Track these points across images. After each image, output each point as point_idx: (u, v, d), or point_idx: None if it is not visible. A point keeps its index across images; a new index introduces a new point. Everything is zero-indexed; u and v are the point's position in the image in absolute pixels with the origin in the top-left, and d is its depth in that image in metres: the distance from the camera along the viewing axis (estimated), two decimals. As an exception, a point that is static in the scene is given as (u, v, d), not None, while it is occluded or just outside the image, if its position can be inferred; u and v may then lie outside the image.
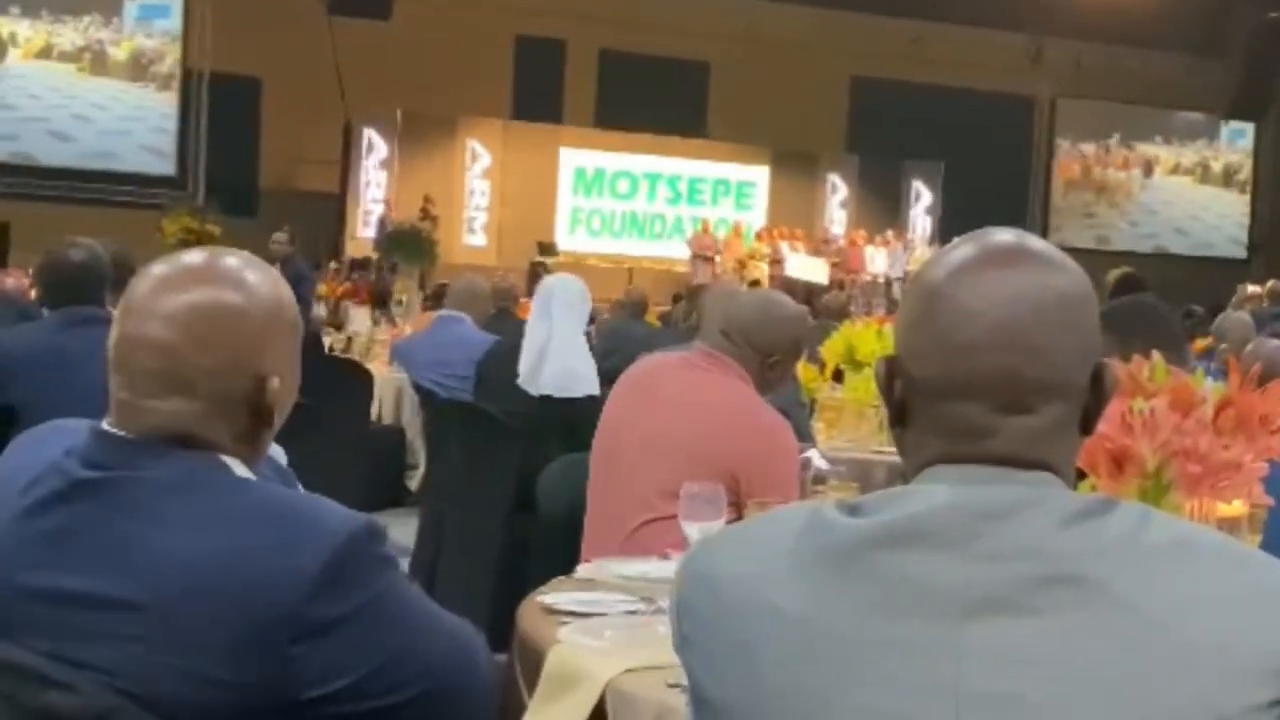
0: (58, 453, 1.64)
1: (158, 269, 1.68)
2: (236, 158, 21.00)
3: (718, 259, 21.64)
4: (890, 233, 23.12)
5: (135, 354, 1.63)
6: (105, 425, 1.65)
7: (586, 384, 5.59)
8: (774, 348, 3.57)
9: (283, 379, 1.68)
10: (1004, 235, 1.42)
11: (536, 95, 23.34)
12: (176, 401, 1.62)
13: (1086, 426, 1.39)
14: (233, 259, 1.70)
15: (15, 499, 1.63)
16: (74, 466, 1.61)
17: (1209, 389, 2.31)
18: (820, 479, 3.14)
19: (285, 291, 1.73)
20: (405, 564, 5.99)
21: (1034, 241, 1.42)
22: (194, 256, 1.71)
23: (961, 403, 1.34)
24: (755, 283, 19.99)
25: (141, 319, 1.64)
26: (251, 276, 1.68)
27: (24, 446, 1.74)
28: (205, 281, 1.65)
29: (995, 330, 1.34)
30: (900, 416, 1.40)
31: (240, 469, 1.65)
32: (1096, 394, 1.38)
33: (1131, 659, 1.24)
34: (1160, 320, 3.34)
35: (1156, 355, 2.35)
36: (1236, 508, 2.31)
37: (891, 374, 1.40)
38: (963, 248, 1.41)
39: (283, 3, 19.47)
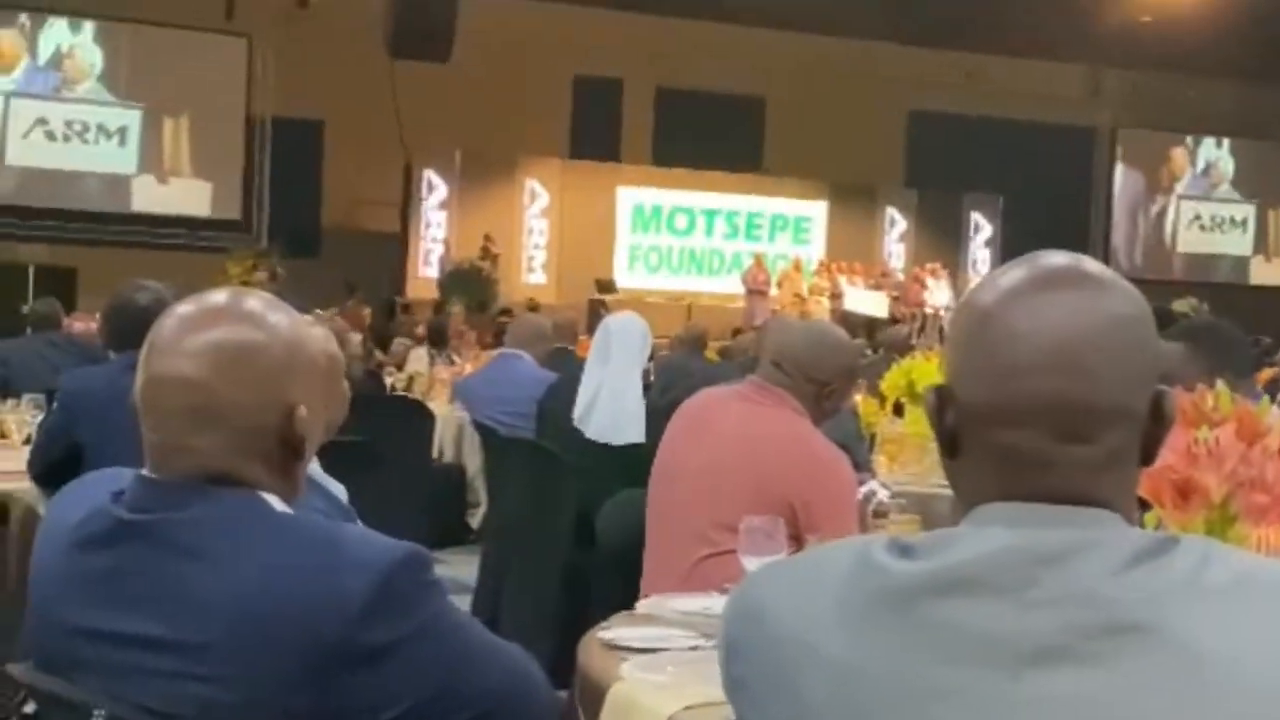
0: (105, 497, 1.67)
1: (181, 310, 1.72)
2: (299, 199, 21.21)
3: (773, 293, 21.62)
4: (938, 265, 23.02)
5: (164, 393, 1.66)
6: (145, 471, 1.68)
7: (633, 432, 5.58)
8: (827, 376, 3.57)
9: (311, 410, 1.71)
10: (1057, 257, 1.36)
11: (594, 134, 23.47)
12: (208, 437, 1.64)
13: (1147, 457, 1.34)
14: (253, 299, 1.74)
15: (66, 542, 1.68)
16: (120, 510, 1.65)
17: (1275, 418, 2.28)
18: (882, 512, 3.12)
19: (308, 329, 1.77)
20: (468, 601, 6.01)
21: (1088, 263, 1.36)
22: (216, 297, 1.74)
23: (1015, 430, 1.30)
24: (800, 315, 19.97)
25: (168, 358, 1.67)
26: (272, 315, 1.72)
27: (73, 493, 1.78)
28: (228, 319, 1.69)
29: (1049, 352, 1.29)
30: (952, 447, 1.36)
31: (278, 504, 1.67)
32: (1157, 422, 1.33)
33: (1194, 708, 1.20)
34: (1240, 344, 3.29)
35: (1221, 384, 2.32)
36: (1305, 538, 2.27)
37: (942, 402, 1.36)
38: (1014, 270, 1.37)
39: (344, 47, 19.68)
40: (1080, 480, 1.30)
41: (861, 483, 3.49)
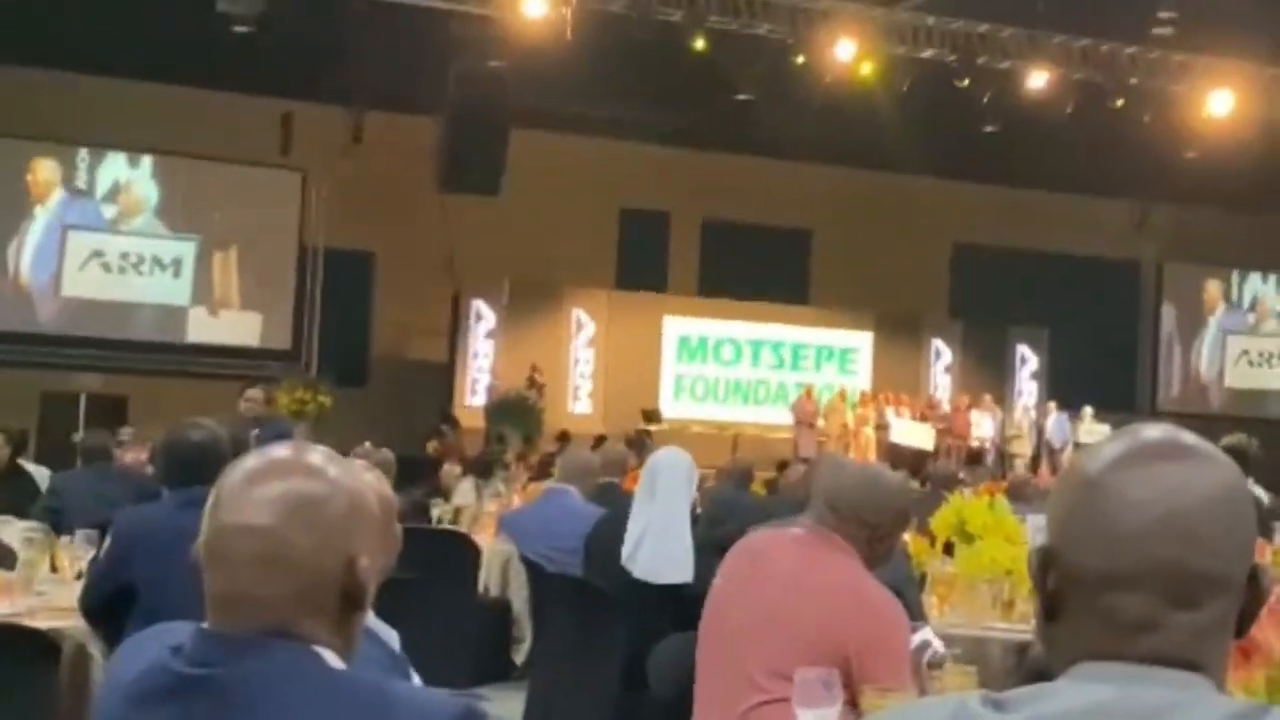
0: (164, 651, 1.69)
1: (246, 464, 1.77)
2: (349, 329, 21.44)
3: (821, 424, 21.59)
4: (988, 397, 22.98)
5: (233, 542, 1.70)
6: (205, 625, 1.71)
7: (680, 571, 5.56)
8: (880, 521, 3.56)
9: (371, 560, 1.75)
10: (1157, 430, 1.41)
11: (641, 265, 23.69)
12: (275, 587, 1.68)
13: (1241, 628, 1.37)
14: (315, 454, 1.79)
15: (125, 696, 1.70)
16: (179, 664, 1.67)
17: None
18: (937, 663, 3.09)
19: (365, 479, 1.83)
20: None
21: (1187, 436, 1.41)
22: (279, 451, 1.80)
23: (1127, 594, 1.32)
24: (846, 447, 19.92)
25: (234, 508, 1.71)
26: (333, 467, 1.77)
27: (134, 646, 1.82)
28: (293, 472, 1.74)
29: (1166, 520, 1.33)
30: (1052, 610, 1.38)
31: (334, 659, 1.69)
32: (1253, 593, 1.37)
33: None
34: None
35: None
36: (1370, 698, 2.24)
37: (1046, 565, 1.38)
38: (1117, 441, 1.41)
39: (396, 180, 20.04)
40: (1182, 644, 1.32)
41: (914, 630, 3.46)
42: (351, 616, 1.74)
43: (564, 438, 17.71)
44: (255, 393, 9.33)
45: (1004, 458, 22.06)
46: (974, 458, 19.85)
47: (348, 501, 1.73)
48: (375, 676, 1.79)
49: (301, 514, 1.70)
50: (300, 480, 1.72)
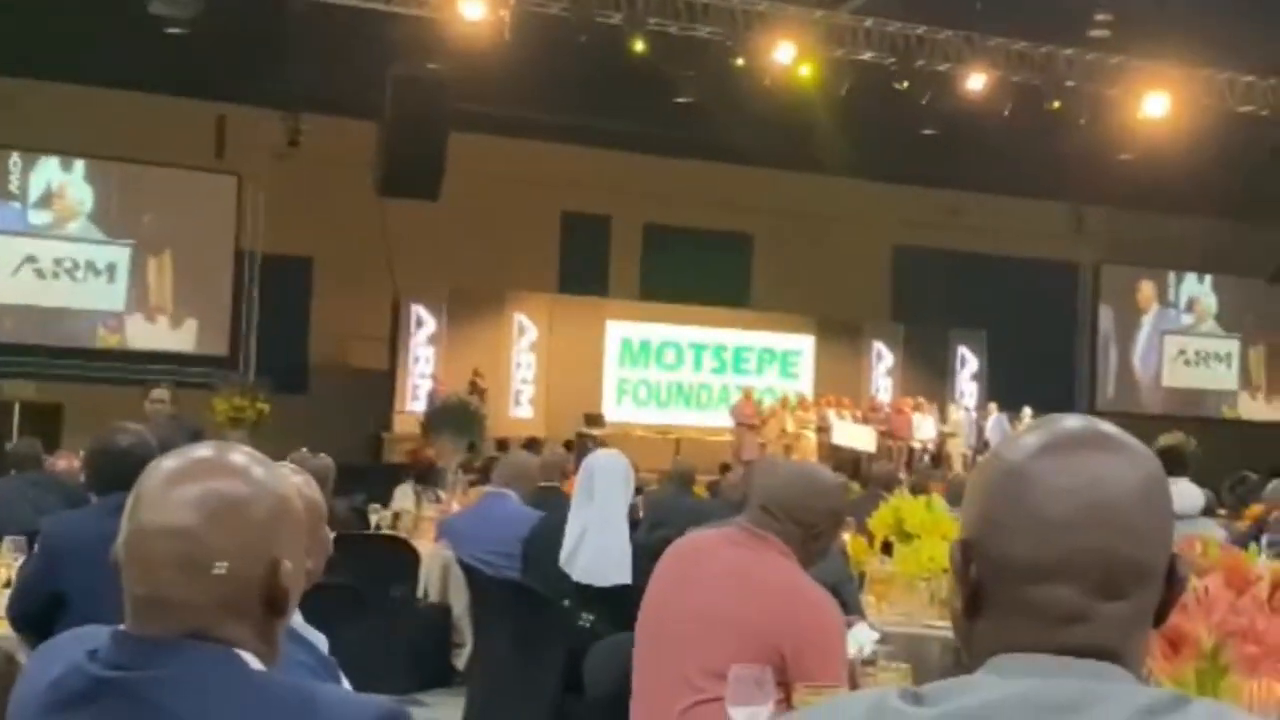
0: (81, 654, 1.65)
1: (168, 463, 1.72)
2: (287, 335, 21.28)
3: (762, 427, 21.63)
4: (923, 399, 23.12)
5: (151, 543, 1.66)
6: (123, 628, 1.67)
7: (618, 572, 5.55)
8: (814, 519, 3.56)
9: (294, 563, 1.71)
10: (1076, 420, 1.40)
11: (582, 269, 23.67)
12: (193, 589, 1.64)
13: (1160, 618, 1.36)
14: (238, 454, 1.75)
15: (41, 703, 1.66)
16: (95, 667, 1.63)
17: (1263, 565, 2.27)
18: (870, 660, 3.08)
19: (291, 481, 1.78)
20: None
21: (1106, 425, 1.40)
22: (202, 451, 1.75)
23: (1053, 584, 1.31)
24: (787, 449, 19.99)
25: (153, 509, 1.67)
26: (256, 468, 1.73)
27: (50, 650, 1.77)
28: (214, 473, 1.70)
29: (1093, 508, 1.31)
30: (975, 602, 1.36)
31: (255, 663, 1.65)
32: (1171, 584, 1.36)
33: None
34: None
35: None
36: (1299, 689, 2.24)
37: (968, 556, 1.36)
38: (1038, 431, 1.39)
39: (334, 185, 19.90)
40: (1106, 635, 1.31)
41: (850, 624, 3.46)
42: (274, 620, 1.71)
43: (503, 446, 17.66)
44: (161, 393, 8.92)
45: (942, 458, 22.19)
46: (936, 462, 19.98)
47: (271, 503, 1.70)
48: (298, 679, 1.76)
49: (223, 515, 1.66)
50: (221, 481, 1.69)
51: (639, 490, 9.64)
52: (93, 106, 19.36)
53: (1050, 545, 1.31)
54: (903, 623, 5.55)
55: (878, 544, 6.37)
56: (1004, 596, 1.34)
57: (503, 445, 18.03)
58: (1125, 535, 1.31)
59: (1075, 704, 1.24)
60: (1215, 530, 6.56)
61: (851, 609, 4.49)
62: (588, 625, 5.35)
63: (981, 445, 22.48)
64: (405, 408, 21.46)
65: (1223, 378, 27.48)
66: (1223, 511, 8.82)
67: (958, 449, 22.49)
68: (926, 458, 21.43)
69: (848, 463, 18.69)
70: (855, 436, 21.59)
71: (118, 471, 4.24)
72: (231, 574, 1.65)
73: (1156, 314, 27.27)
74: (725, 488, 10.69)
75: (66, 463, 9.71)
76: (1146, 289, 27.19)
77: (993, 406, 23.14)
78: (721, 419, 22.67)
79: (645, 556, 5.69)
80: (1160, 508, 1.35)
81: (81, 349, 20.32)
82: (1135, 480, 1.33)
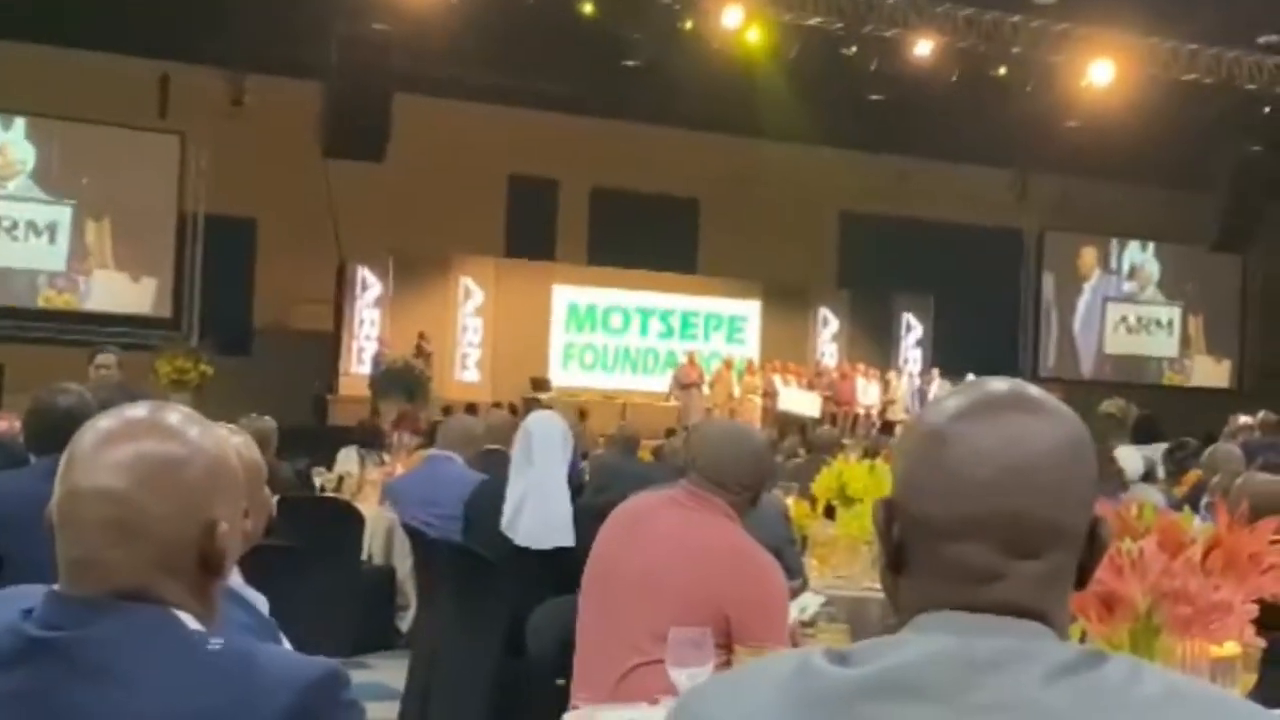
0: (14, 614, 1.63)
1: (101, 423, 1.70)
2: (231, 298, 21.11)
3: (706, 390, 21.67)
4: (868, 365, 23.23)
5: (83, 505, 1.64)
6: (58, 588, 1.65)
7: (560, 535, 5.55)
8: (748, 477, 3.59)
9: (231, 525, 1.69)
10: (1002, 383, 1.42)
11: (529, 233, 23.59)
12: (126, 552, 1.62)
13: (1081, 579, 1.38)
14: (174, 414, 1.73)
15: None
16: (30, 627, 1.61)
17: (1198, 529, 2.30)
18: (810, 621, 3.11)
19: (228, 442, 1.76)
20: (395, 708, 5.91)
21: (1032, 389, 1.41)
22: (136, 411, 1.72)
23: (967, 543, 1.33)
24: (732, 414, 20.06)
25: (86, 471, 1.65)
26: (193, 428, 1.71)
27: None
28: (149, 433, 1.67)
29: (1008, 469, 1.33)
30: (897, 561, 1.38)
31: (192, 623, 1.64)
32: (1092, 546, 1.38)
33: None
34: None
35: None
36: (1229, 649, 2.28)
37: (891, 516, 1.39)
38: (963, 394, 1.41)
39: (278, 146, 19.71)
40: (1024, 594, 1.33)
41: (796, 592, 3.49)
42: (211, 581, 1.69)
43: (448, 411, 17.63)
44: (107, 358, 8.36)
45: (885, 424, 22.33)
46: (887, 429, 20.08)
47: (207, 464, 1.68)
48: (235, 637, 1.75)
49: (157, 477, 1.64)
50: (156, 442, 1.67)
51: (585, 455, 9.65)
52: (35, 64, 19.06)
53: (964, 504, 1.33)
54: (844, 585, 5.61)
55: (821, 507, 6.41)
56: (923, 555, 1.36)
57: (448, 411, 18.01)
58: (1039, 495, 1.33)
59: (996, 661, 1.27)
60: (1154, 495, 6.64)
61: (794, 572, 4.53)
62: (531, 588, 5.35)
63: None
64: (350, 371, 21.36)
65: (1164, 345, 27.78)
66: (1161, 476, 8.92)
67: (898, 415, 22.64)
68: (876, 424, 21.54)
69: (793, 428, 18.77)
70: (800, 402, 21.69)
71: (57, 433, 4.16)
72: (166, 536, 1.63)
73: (1099, 281, 27.50)
74: (670, 452, 10.71)
75: (7, 423, 9.60)
76: (1090, 256, 27.40)
77: (935, 372, 23.31)
78: (667, 384, 22.69)
79: (590, 520, 5.69)
80: (1078, 470, 1.37)
81: (22, 309, 20.09)
82: (1052, 442, 1.35)
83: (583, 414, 19.71)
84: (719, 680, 1.51)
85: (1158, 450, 9.04)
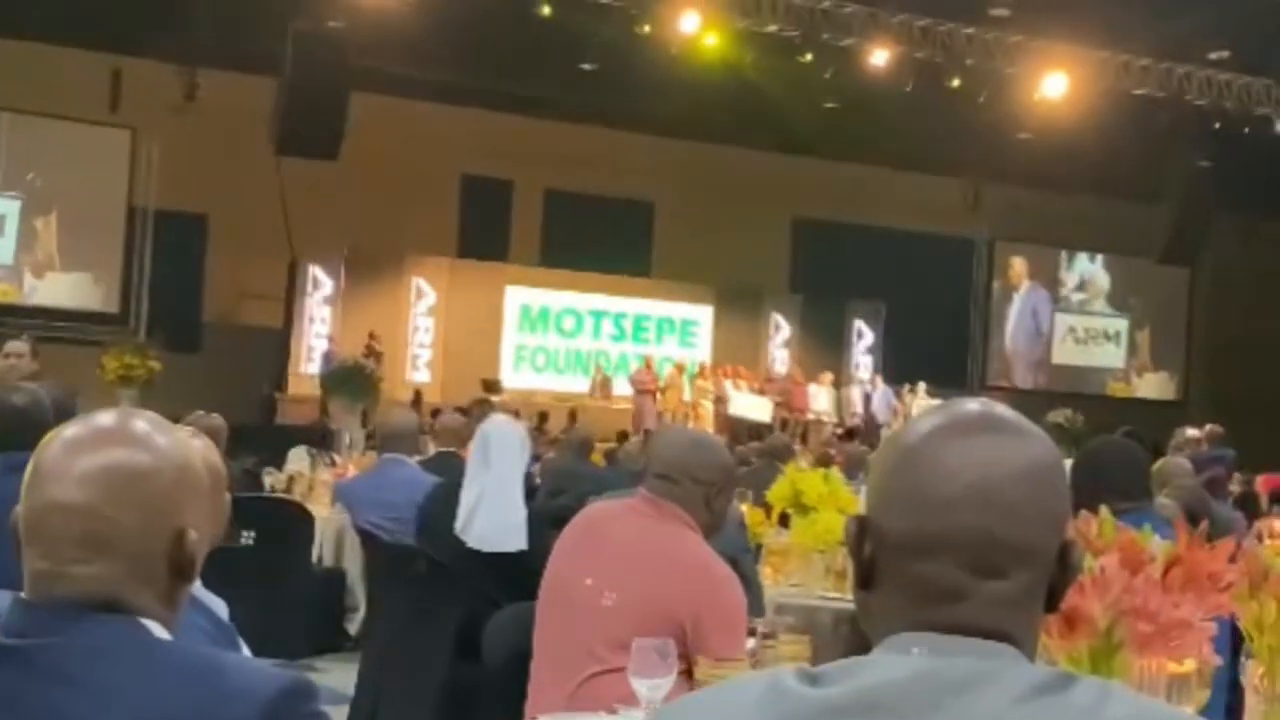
0: None
1: (66, 433, 1.69)
2: (180, 293, 20.95)
3: (660, 396, 21.70)
4: (825, 373, 23.33)
5: (52, 520, 1.63)
6: (25, 595, 1.64)
7: (514, 539, 5.54)
8: (713, 479, 3.60)
9: (199, 531, 1.69)
10: (976, 404, 1.43)
11: (482, 233, 23.53)
12: (97, 565, 1.61)
13: (1052, 603, 1.39)
14: (140, 421, 1.72)
15: None
16: None
17: (1157, 546, 2.31)
18: (770, 633, 3.11)
19: (193, 447, 1.76)
20: (344, 713, 5.87)
21: (1006, 411, 1.43)
22: (102, 420, 1.71)
23: (933, 561, 1.34)
24: (686, 418, 20.10)
25: (54, 483, 1.63)
26: (159, 437, 1.70)
27: None
28: (116, 443, 1.66)
29: (973, 489, 1.34)
30: (868, 578, 1.39)
31: (159, 631, 1.64)
32: (1063, 569, 1.39)
33: None
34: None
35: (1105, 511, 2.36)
36: (1186, 666, 2.30)
37: (862, 532, 1.40)
38: (937, 414, 1.43)
39: (231, 142, 19.57)
40: (991, 614, 1.34)
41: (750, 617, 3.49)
42: (179, 587, 1.69)
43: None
44: (18, 345, 7.48)
45: (856, 432, 22.40)
46: (849, 435, 20.13)
47: (174, 473, 1.68)
48: (203, 647, 1.75)
49: (125, 489, 1.63)
50: (123, 452, 1.66)
51: (536, 458, 9.63)
52: (-16, 56, 18.88)
53: (930, 521, 1.35)
54: (798, 594, 5.62)
55: (775, 516, 6.42)
56: (892, 572, 1.37)
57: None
58: (1005, 516, 1.34)
59: (967, 683, 1.27)
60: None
61: (750, 581, 4.53)
62: (484, 593, 5.34)
63: (868, 418, 22.75)
64: (300, 369, 21.25)
65: (1111, 356, 28.03)
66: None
67: (848, 422, 22.74)
68: (835, 430, 21.58)
69: (745, 434, 18.81)
70: (752, 407, 21.74)
71: (12, 431, 4.15)
72: (136, 548, 1.63)
73: (1049, 292, 27.71)
74: (623, 456, 10.71)
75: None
76: (1040, 267, 27.61)
77: (878, 379, 23.46)
78: (619, 387, 22.70)
79: (543, 524, 5.70)
80: (1048, 492, 1.38)
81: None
82: (1022, 463, 1.36)
83: (544, 417, 19.71)
84: (689, 701, 1.50)
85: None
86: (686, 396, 21.61)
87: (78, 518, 1.62)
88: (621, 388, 22.68)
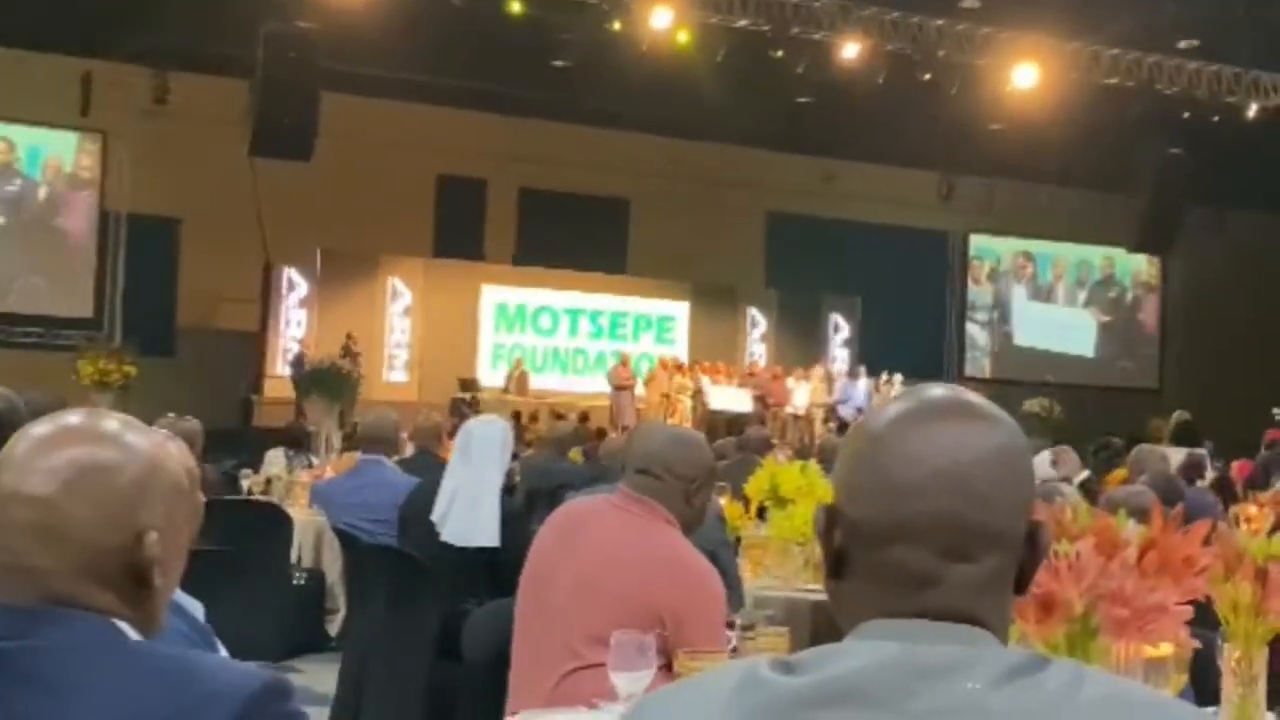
0: None
1: (34, 429, 1.67)
2: (154, 297, 20.88)
3: (640, 392, 21.70)
4: (804, 369, 23.33)
5: (10, 509, 1.61)
6: None
7: (485, 536, 5.55)
8: (693, 474, 3.61)
9: (166, 535, 1.66)
10: (942, 390, 1.44)
11: (458, 233, 23.51)
12: (50, 557, 1.60)
13: (1021, 584, 1.39)
14: (112, 420, 1.70)
15: None
16: None
17: (1133, 531, 2.32)
18: (750, 626, 3.12)
19: (164, 450, 1.72)
20: (325, 714, 5.86)
21: (971, 396, 1.43)
22: (73, 417, 1.70)
23: (903, 547, 1.34)
24: (665, 414, 20.09)
25: (17, 475, 1.63)
26: (130, 435, 1.68)
27: None
28: (82, 440, 1.65)
29: (939, 474, 1.35)
30: (838, 566, 1.39)
31: (133, 632, 1.62)
32: (1032, 551, 1.39)
33: None
34: None
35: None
36: (1162, 650, 2.31)
37: (831, 521, 1.40)
38: (903, 401, 1.43)
39: (203, 145, 19.51)
40: (961, 599, 1.34)
41: (731, 609, 3.50)
42: (144, 592, 1.67)
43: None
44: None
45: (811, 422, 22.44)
46: (844, 427, 20.12)
47: (140, 471, 1.65)
48: (178, 648, 1.73)
49: (84, 482, 1.62)
50: (88, 448, 1.64)
51: (515, 456, 9.63)
52: (-49, 60, 18.78)
53: (898, 508, 1.35)
54: (777, 587, 5.62)
55: (753, 509, 6.42)
56: (862, 560, 1.37)
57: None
58: (972, 500, 1.35)
59: (941, 668, 1.27)
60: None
61: (728, 574, 4.53)
62: (463, 591, 5.34)
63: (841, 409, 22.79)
64: (276, 371, 21.20)
65: (1086, 345, 28.14)
66: (1086, 473, 9.04)
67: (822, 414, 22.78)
68: (831, 425, 21.57)
69: (723, 427, 18.81)
70: (731, 400, 21.75)
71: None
72: (89, 542, 1.61)
73: (1022, 282, 27.82)
74: (603, 453, 10.71)
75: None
76: (1013, 257, 27.71)
77: (861, 370, 23.50)
78: (597, 384, 22.70)
79: (519, 520, 5.71)
80: (1014, 476, 1.38)
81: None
82: (987, 448, 1.37)
83: (533, 418, 19.70)
84: (665, 693, 1.50)
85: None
86: (669, 392, 21.58)
87: (31, 507, 1.60)
88: (537, 383, 22.71)
